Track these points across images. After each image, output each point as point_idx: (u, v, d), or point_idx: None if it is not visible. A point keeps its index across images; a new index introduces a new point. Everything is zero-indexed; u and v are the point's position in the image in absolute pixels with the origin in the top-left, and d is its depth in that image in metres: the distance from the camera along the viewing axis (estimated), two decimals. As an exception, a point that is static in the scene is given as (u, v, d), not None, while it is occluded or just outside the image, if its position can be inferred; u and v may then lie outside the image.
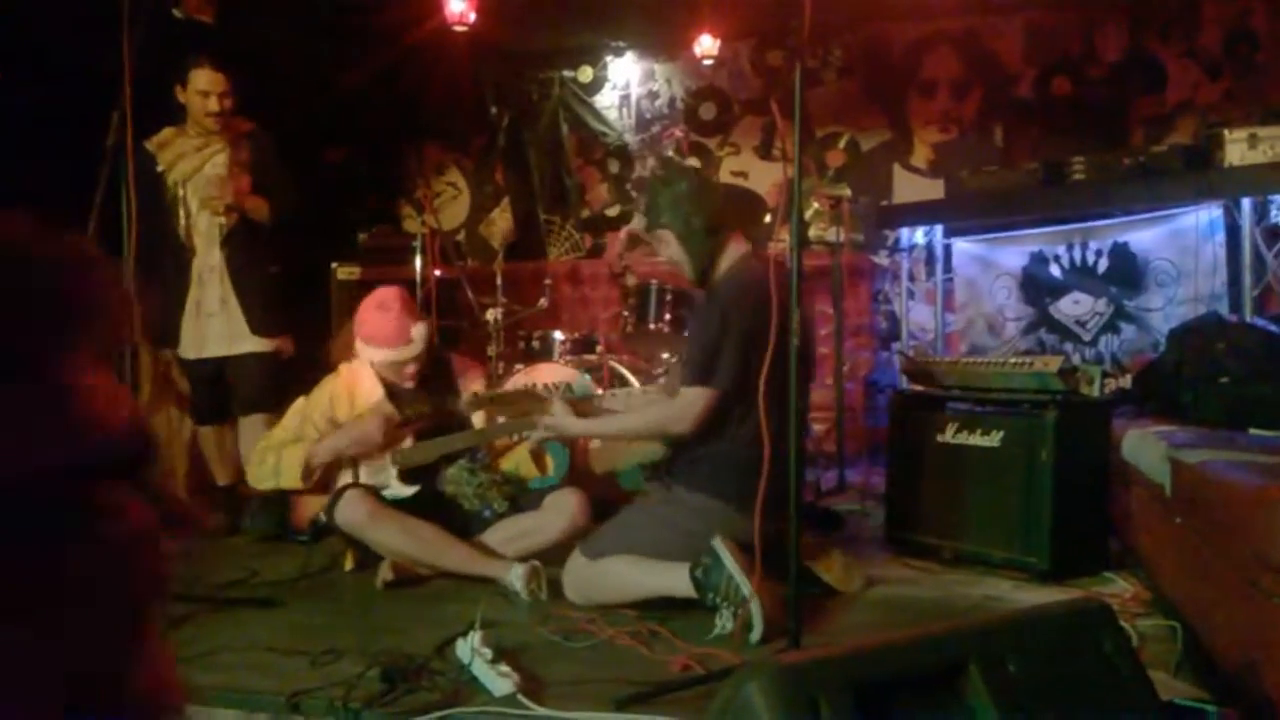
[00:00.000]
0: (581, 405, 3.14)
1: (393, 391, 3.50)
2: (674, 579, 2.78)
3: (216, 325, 3.98)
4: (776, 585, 2.59)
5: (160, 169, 3.90)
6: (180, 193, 3.92)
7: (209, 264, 3.97)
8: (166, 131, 3.96)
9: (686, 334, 3.04)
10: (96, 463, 0.70)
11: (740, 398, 2.78)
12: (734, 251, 3.00)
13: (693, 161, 6.79)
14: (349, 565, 3.44)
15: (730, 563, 2.68)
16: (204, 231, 3.96)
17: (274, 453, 3.40)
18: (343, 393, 3.51)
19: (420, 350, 3.46)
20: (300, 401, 3.55)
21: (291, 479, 3.36)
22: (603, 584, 2.92)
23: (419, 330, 3.45)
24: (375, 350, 3.46)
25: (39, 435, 0.64)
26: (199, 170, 3.92)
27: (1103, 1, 6.00)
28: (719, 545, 2.73)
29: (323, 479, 3.42)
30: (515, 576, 3.09)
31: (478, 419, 3.48)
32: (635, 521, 3.00)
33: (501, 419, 3.39)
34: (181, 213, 3.93)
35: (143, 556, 0.71)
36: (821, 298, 5.32)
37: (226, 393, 4.09)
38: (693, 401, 2.84)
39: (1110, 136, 5.85)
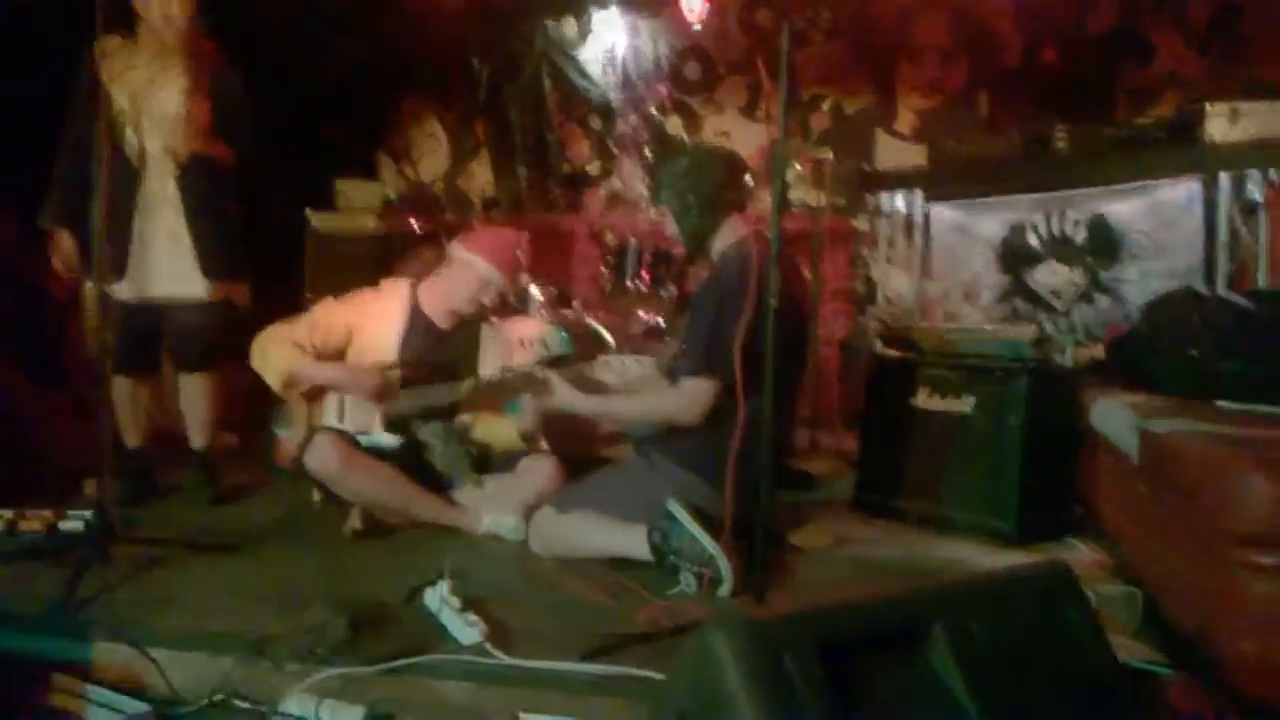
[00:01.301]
0: (581, 382, 3.09)
1: (414, 330, 3.43)
2: (631, 541, 2.79)
3: (161, 262, 3.50)
4: (742, 542, 2.61)
5: (104, 79, 3.32)
6: (127, 106, 3.40)
7: (162, 193, 3.49)
8: (111, 40, 3.36)
9: (688, 317, 3.00)
10: None
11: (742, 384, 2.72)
12: (732, 232, 2.96)
13: (674, 120, 6.74)
14: (317, 498, 3.37)
15: (689, 522, 2.69)
16: (156, 156, 3.47)
17: (276, 345, 3.31)
18: (371, 306, 3.46)
19: (506, 292, 3.49)
20: (329, 302, 3.48)
21: (274, 379, 3.30)
22: (564, 537, 2.95)
23: (525, 279, 3.45)
24: (480, 260, 3.40)
25: None
26: (151, 84, 3.43)
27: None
28: (674, 506, 2.74)
29: (309, 394, 3.37)
30: (504, 520, 3.14)
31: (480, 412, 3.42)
32: (608, 482, 3.02)
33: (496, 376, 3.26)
34: (129, 132, 3.43)
35: None
36: (801, 261, 5.30)
37: (156, 340, 3.66)
38: (699, 392, 2.80)
39: (1096, 108, 5.84)
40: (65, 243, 3.51)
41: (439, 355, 3.44)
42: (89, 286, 3.68)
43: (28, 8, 4.01)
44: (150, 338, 3.63)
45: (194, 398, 3.71)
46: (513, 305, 4.83)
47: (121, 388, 3.61)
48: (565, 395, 3.01)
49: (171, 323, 3.61)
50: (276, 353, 3.29)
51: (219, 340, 3.66)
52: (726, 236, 2.97)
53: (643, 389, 3.21)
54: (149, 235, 3.50)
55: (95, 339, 3.89)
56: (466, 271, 3.41)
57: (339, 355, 3.41)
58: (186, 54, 3.48)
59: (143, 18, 3.44)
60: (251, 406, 4.18)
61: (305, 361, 3.30)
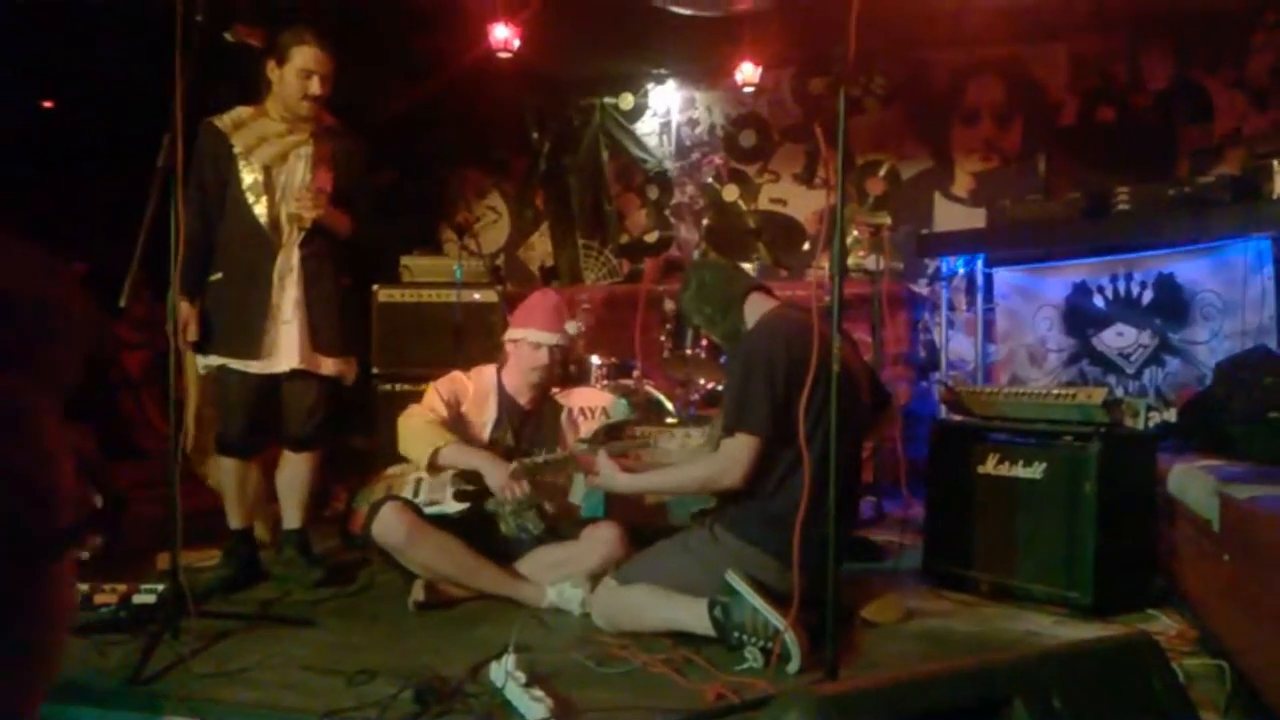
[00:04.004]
0: (626, 460, 3.14)
1: (504, 412, 3.52)
2: (693, 615, 2.76)
3: (289, 335, 3.43)
4: (809, 615, 2.56)
5: (236, 151, 3.42)
6: (261, 178, 3.42)
7: (288, 264, 3.46)
8: (241, 110, 3.48)
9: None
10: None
11: (787, 444, 2.73)
12: (755, 310, 3.06)
13: (731, 189, 6.81)
14: (419, 596, 3.26)
15: (751, 596, 2.66)
16: (284, 227, 3.46)
17: (424, 428, 3.36)
18: (470, 387, 3.54)
19: (565, 344, 3.54)
20: (445, 379, 3.56)
21: (419, 456, 3.33)
22: (626, 611, 2.92)
23: (572, 326, 3.54)
24: (524, 331, 3.50)
25: None
26: (284, 159, 3.45)
27: (1149, 29, 5.95)
28: (734, 579, 2.71)
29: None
30: (568, 593, 3.15)
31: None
32: (670, 553, 2.99)
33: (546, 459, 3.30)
34: (265, 202, 3.42)
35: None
36: (860, 326, 5.29)
37: (272, 418, 3.54)
38: (735, 451, 2.81)
39: (1156, 167, 5.78)
40: (186, 312, 3.36)
41: (525, 432, 3.53)
42: (196, 359, 3.60)
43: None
44: (268, 415, 3.53)
45: (297, 477, 3.60)
46: (572, 376, 4.88)
47: (230, 468, 3.56)
48: (607, 475, 3.07)
49: (291, 399, 3.53)
50: (426, 434, 3.34)
51: (329, 417, 3.59)
52: (753, 315, 3.06)
53: (684, 460, 3.23)
54: (280, 308, 3.45)
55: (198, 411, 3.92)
56: (521, 346, 3.51)
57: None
58: (315, 126, 3.50)
59: (276, 91, 3.46)
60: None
61: (448, 441, 3.32)
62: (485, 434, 3.49)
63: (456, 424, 3.47)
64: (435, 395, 3.49)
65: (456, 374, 3.61)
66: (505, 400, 3.55)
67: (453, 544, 3.23)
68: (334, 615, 3.17)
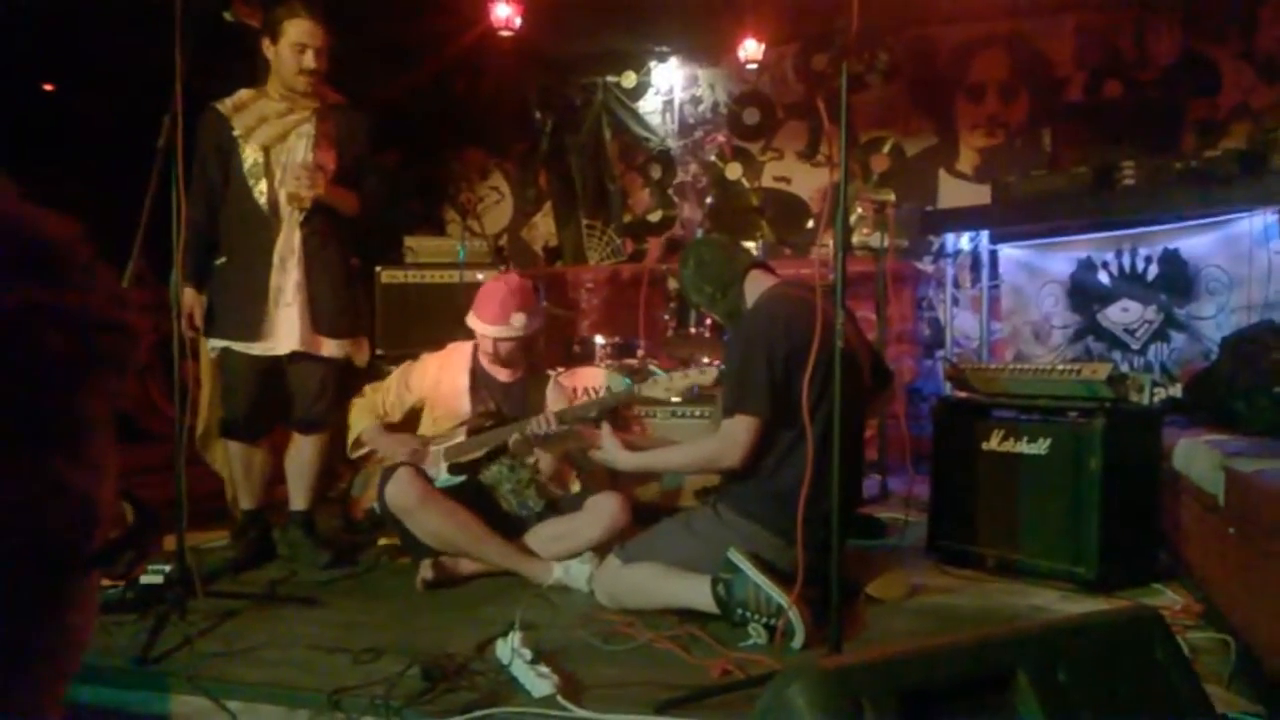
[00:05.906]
0: (629, 437, 3.20)
1: (479, 385, 3.60)
2: (696, 592, 2.76)
3: (289, 317, 3.39)
4: (813, 592, 2.57)
5: (237, 134, 3.38)
6: (260, 159, 3.38)
7: (290, 245, 3.40)
8: (244, 93, 3.44)
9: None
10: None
11: (788, 424, 2.74)
12: (755, 288, 3.05)
13: (734, 166, 6.78)
14: (427, 574, 3.27)
15: (754, 573, 2.66)
16: (283, 208, 3.40)
17: (359, 411, 3.62)
18: (434, 369, 3.66)
19: (515, 335, 3.53)
20: (405, 366, 3.71)
21: (350, 442, 3.59)
22: (630, 589, 2.92)
23: (518, 319, 3.50)
24: (475, 322, 3.56)
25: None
26: (283, 139, 3.40)
27: (1155, 2, 5.90)
28: (736, 557, 2.71)
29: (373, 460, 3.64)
30: (574, 570, 3.16)
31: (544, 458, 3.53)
32: (674, 532, 2.99)
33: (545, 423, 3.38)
34: (264, 183, 3.38)
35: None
36: (864, 304, 5.27)
37: (278, 400, 3.53)
38: (735, 431, 2.81)
39: (1162, 141, 5.75)
40: (191, 299, 3.36)
41: (507, 406, 3.56)
42: (206, 343, 3.55)
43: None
44: (273, 397, 3.52)
45: (305, 459, 3.58)
46: (576, 355, 4.88)
47: (237, 452, 3.56)
48: (610, 451, 3.08)
49: (296, 381, 3.52)
50: (356, 418, 3.58)
51: (336, 399, 3.58)
52: (753, 294, 3.05)
53: (686, 440, 3.28)
54: (284, 290, 3.41)
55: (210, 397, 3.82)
56: (477, 333, 3.58)
57: (413, 414, 3.65)
58: (317, 103, 3.46)
59: (274, 69, 3.42)
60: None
61: (370, 427, 3.57)
62: (463, 406, 3.56)
63: (409, 403, 3.67)
64: (387, 382, 3.67)
65: (426, 356, 3.72)
66: (480, 373, 3.62)
67: (462, 512, 3.26)
68: (340, 594, 3.18)
